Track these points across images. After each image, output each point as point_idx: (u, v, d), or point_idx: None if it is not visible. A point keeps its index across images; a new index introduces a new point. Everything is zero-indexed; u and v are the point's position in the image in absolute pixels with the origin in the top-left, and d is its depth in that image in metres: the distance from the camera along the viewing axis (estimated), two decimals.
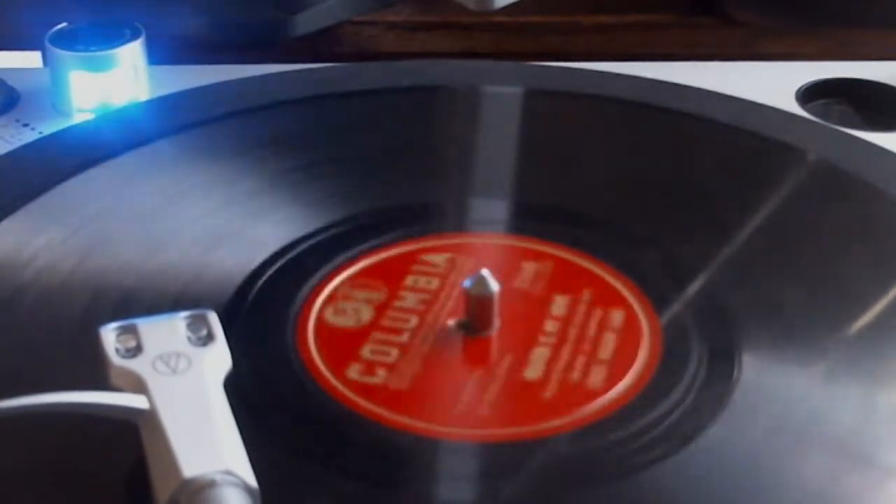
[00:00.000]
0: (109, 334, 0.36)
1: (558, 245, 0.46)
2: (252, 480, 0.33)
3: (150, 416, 0.34)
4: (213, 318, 0.36)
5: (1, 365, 0.40)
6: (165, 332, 0.36)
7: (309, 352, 0.41)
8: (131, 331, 0.36)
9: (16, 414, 0.33)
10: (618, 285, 0.44)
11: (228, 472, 0.32)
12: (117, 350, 0.35)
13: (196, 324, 0.36)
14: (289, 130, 0.54)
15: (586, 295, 0.43)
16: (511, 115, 0.57)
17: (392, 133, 0.54)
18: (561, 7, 0.70)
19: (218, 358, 0.36)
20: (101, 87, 0.58)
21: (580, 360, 0.40)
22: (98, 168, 0.50)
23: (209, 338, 0.36)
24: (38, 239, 0.46)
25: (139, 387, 0.34)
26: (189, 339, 0.36)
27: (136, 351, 0.35)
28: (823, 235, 0.47)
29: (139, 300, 0.43)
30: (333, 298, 0.43)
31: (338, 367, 0.40)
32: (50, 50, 0.58)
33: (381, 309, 0.43)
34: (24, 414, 0.33)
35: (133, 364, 0.35)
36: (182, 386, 0.34)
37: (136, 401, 0.34)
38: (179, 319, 0.36)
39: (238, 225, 0.47)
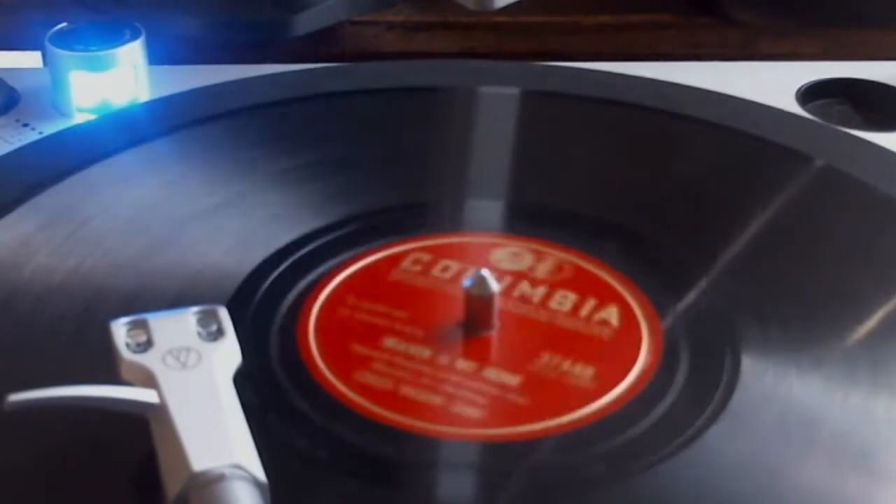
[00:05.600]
0: (120, 329, 0.36)
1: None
2: (261, 474, 0.33)
3: (160, 411, 0.34)
4: (224, 314, 0.37)
5: (0, 364, 0.40)
6: (175, 327, 0.36)
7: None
8: (142, 325, 0.36)
9: (27, 407, 0.33)
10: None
11: (238, 467, 0.32)
12: (128, 344, 0.36)
13: (206, 319, 0.37)
14: (289, 130, 0.54)
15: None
16: (511, 115, 0.57)
17: (392, 133, 0.54)
18: (561, 7, 0.70)
19: (228, 353, 0.36)
20: (101, 87, 0.58)
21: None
22: (98, 168, 0.50)
23: (219, 333, 0.36)
24: (38, 238, 0.46)
25: (149, 381, 0.34)
26: (199, 334, 0.36)
27: (147, 345, 0.35)
28: (823, 236, 0.47)
29: (139, 300, 0.42)
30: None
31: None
32: (50, 50, 0.58)
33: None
34: (35, 407, 0.33)
35: (143, 358, 0.35)
36: (192, 380, 0.35)
37: (146, 395, 0.34)
38: (189, 314, 0.37)
39: (237, 225, 0.47)
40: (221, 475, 0.32)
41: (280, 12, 0.65)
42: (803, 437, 0.38)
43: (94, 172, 0.50)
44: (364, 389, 0.39)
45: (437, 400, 0.39)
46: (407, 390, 0.39)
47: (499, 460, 0.37)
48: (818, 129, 0.56)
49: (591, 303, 0.43)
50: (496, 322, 0.41)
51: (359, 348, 0.41)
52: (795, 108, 0.59)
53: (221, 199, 0.49)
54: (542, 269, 0.45)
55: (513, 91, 0.58)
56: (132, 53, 0.58)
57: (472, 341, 0.41)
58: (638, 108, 0.55)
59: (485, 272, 0.41)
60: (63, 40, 0.58)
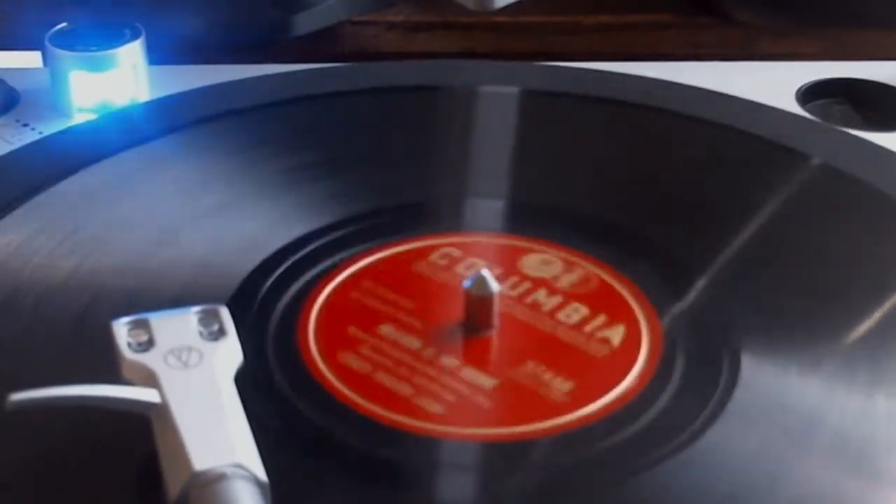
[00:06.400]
0: (121, 328, 0.36)
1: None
2: (262, 474, 0.33)
3: (161, 410, 0.34)
4: (225, 313, 0.37)
5: (1, 364, 0.40)
6: (177, 327, 0.36)
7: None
8: (143, 325, 0.36)
9: (29, 407, 0.33)
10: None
11: (239, 466, 0.32)
12: (129, 344, 0.36)
13: (207, 318, 0.37)
14: (289, 130, 0.54)
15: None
16: (511, 115, 0.57)
17: (392, 133, 0.54)
18: (561, 7, 0.70)
19: (229, 352, 0.36)
20: (101, 87, 0.58)
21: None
22: (98, 168, 0.50)
23: (220, 332, 0.36)
24: (39, 238, 0.46)
25: (151, 381, 0.34)
26: (201, 333, 0.36)
27: (148, 345, 0.36)
28: (823, 236, 0.47)
29: (139, 300, 0.42)
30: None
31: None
32: (50, 50, 0.58)
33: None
34: (36, 407, 0.33)
35: (145, 358, 0.35)
36: (193, 380, 0.35)
37: (147, 394, 0.34)
38: (191, 314, 0.37)
39: (238, 225, 0.47)
40: (223, 474, 0.32)
41: (280, 12, 0.65)
42: (803, 436, 0.38)
43: (94, 172, 0.50)
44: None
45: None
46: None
47: (498, 460, 0.37)
48: (818, 129, 0.56)
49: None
50: (496, 322, 0.41)
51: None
52: (795, 108, 0.59)
53: (221, 199, 0.49)
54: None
55: (513, 91, 0.58)
56: (132, 53, 0.58)
57: (471, 341, 0.41)
58: (638, 108, 0.55)
59: (484, 272, 0.41)
60: (63, 40, 0.58)
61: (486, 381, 0.39)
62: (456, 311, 0.42)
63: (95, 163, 0.50)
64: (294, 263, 0.45)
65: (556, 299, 0.43)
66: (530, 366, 0.40)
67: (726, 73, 0.61)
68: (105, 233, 0.46)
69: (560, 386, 0.39)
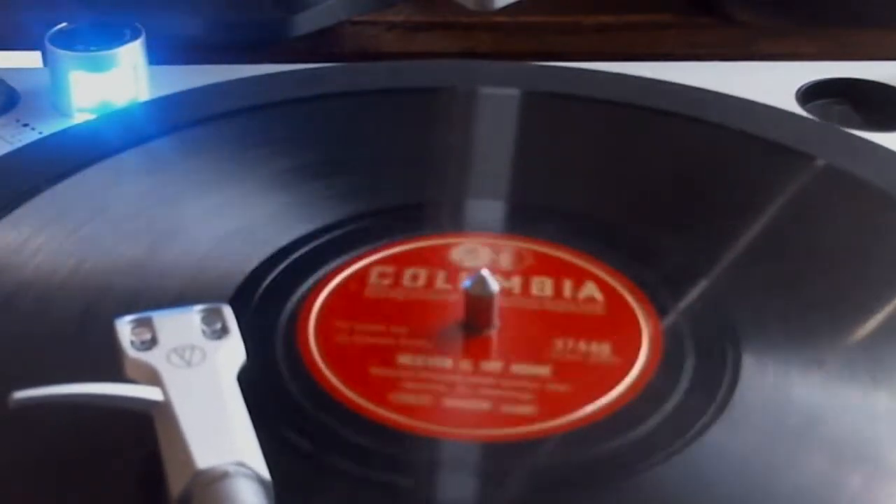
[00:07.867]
0: (124, 326, 0.36)
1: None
2: (265, 472, 0.33)
3: (164, 408, 0.34)
4: (228, 312, 0.37)
5: (1, 364, 0.40)
6: (180, 325, 0.36)
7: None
8: (146, 323, 0.36)
9: (32, 404, 0.33)
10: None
11: (241, 464, 0.32)
12: (132, 342, 0.36)
13: (210, 317, 0.37)
14: (289, 130, 0.54)
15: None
16: (511, 115, 0.57)
17: (392, 133, 0.54)
18: (561, 7, 0.70)
19: (232, 351, 0.36)
20: (101, 87, 0.58)
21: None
22: (98, 168, 0.50)
23: (223, 331, 0.36)
24: (39, 238, 0.46)
25: (154, 379, 0.35)
26: (203, 332, 0.36)
27: (151, 343, 0.36)
28: (823, 235, 0.47)
29: (139, 300, 0.42)
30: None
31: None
32: (50, 50, 0.58)
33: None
34: (40, 404, 0.33)
35: (148, 356, 0.35)
36: (196, 378, 0.35)
37: (150, 393, 0.34)
38: (194, 313, 0.37)
39: (238, 225, 0.47)
40: (225, 473, 0.32)
41: (280, 12, 0.65)
42: (803, 437, 0.38)
43: (94, 172, 0.50)
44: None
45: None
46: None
47: (497, 461, 0.37)
48: (818, 129, 0.56)
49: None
50: (496, 322, 0.41)
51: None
52: (795, 108, 0.59)
53: (221, 199, 0.49)
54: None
55: (512, 91, 0.58)
56: (132, 53, 0.58)
57: (471, 341, 0.41)
58: (638, 108, 0.55)
59: (485, 272, 0.41)
60: (63, 40, 0.58)
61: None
62: (457, 312, 0.42)
63: (95, 163, 0.50)
64: (294, 263, 0.45)
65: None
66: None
67: (726, 73, 0.61)
68: (105, 233, 0.46)
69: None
